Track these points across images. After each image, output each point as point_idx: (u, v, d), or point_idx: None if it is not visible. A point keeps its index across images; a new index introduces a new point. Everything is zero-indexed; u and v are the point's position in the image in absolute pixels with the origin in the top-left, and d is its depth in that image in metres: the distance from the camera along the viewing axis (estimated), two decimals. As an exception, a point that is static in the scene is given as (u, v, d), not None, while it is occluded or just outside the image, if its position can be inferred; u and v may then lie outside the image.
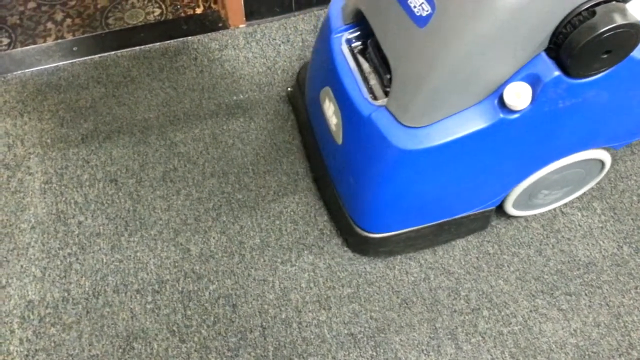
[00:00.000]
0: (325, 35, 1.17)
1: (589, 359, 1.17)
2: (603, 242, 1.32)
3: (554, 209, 1.37)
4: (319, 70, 1.23)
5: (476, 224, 1.28)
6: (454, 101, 0.96)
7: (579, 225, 1.36)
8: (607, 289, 1.25)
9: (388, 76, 1.02)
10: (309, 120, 1.36)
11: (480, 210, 1.23)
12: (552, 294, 1.26)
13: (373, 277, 1.27)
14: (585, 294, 1.25)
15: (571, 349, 1.18)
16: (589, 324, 1.21)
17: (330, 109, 1.17)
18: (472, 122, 0.97)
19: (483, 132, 0.98)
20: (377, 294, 1.25)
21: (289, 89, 1.54)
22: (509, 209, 1.29)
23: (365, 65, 1.09)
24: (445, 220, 1.22)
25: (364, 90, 1.05)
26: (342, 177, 1.22)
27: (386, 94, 1.04)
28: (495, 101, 0.96)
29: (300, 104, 1.43)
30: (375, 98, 1.05)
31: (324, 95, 1.18)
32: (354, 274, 1.28)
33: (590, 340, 1.19)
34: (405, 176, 1.07)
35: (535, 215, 1.36)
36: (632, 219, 1.35)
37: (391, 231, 1.21)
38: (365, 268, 1.28)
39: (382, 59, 1.05)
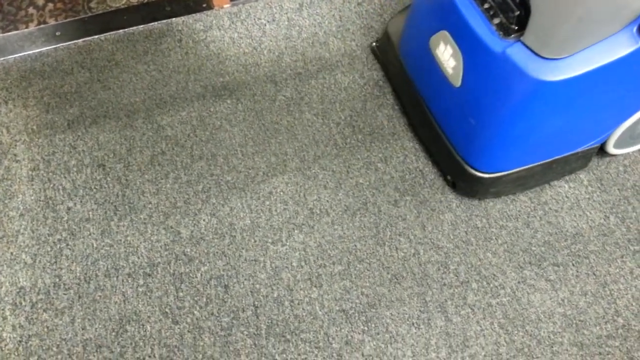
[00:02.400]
0: None
1: (577, 327, 1.19)
2: (590, 212, 1.33)
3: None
4: (431, 16, 1.26)
5: (580, 162, 1.34)
6: (597, 30, 0.99)
7: (566, 197, 1.37)
8: (594, 259, 1.27)
9: (516, 13, 1.04)
10: (403, 70, 1.42)
11: (587, 148, 1.29)
12: (539, 265, 1.28)
13: (363, 254, 1.29)
14: (573, 264, 1.26)
15: (559, 318, 1.20)
16: (576, 293, 1.23)
17: (446, 53, 1.20)
18: (611, 51, 1.01)
19: (620, 61, 1.01)
20: (367, 270, 1.26)
21: (373, 44, 1.58)
22: (610, 148, 1.34)
23: (485, 6, 1.10)
24: (556, 157, 1.27)
25: (493, 28, 1.08)
26: (456, 120, 1.26)
27: (515, 30, 1.05)
28: (634, 29, 0.99)
29: (391, 56, 1.49)
30: (506, 34, 1.07)
31: (437, 40, 1.22)
32: (344, 251, 1.29)
33: (578, 309, 1.21)
34: (540, 110, 1.11)
35: (530, 193, 1.37)
36: (618, 189, 1.36)
37: (506, 170, 1.26)
38: (355, 245, 1.29)
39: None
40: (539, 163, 1.28)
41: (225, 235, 1.30)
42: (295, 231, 1.31)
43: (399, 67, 1.45)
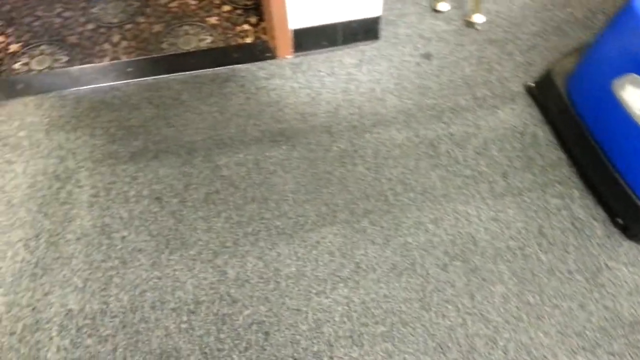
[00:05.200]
0: (631, 24, 1.25)
1: (634, 422, 1.11)
2: (650, 299, 1.27)
3: (599, 261, 1.33)
4: (616, 60, 1.30)
5: None
6: None
7: (625, 281, 1.31)
8: (653, 350, 1.20)
9: None
10: (570, 111, 1.47)
11: None
12: (593, 351, 1.21)
13: (408, 317, 1.25)
14: (630, 355, 1.20)
15: (614, 410, 1.12)
16: (633, 385, 1.16)
17: (635, 96, 1.23)
18: None
19: None
20: (411, 335, 1.23)
21: (528, 83, 1.67)
22: None
23: None
24: None
25: None
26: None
27: None
28: None
29: (553, 96, 1.55)
30: None
31: (623, 83, 1.26)
32: (388, 312, 1.26)
33: (635, 402, 1.14)
34: None
35: (578, 267, 1.33)
36: (681, 277, 1.30)
37: None
38: (400, 307, 1.27)
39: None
40: None
41: (270, 280, 1.30)
42: (340, 284, 1.30)
43: (564, 107, 1.50)
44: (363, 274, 1.32)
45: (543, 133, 1.60)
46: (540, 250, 1.38)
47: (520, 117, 1.64)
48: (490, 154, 1.55)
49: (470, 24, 1.84)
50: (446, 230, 1.40)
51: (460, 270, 1.33)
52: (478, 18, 1.81)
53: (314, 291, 1.28)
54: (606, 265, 1.34)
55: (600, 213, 1.43)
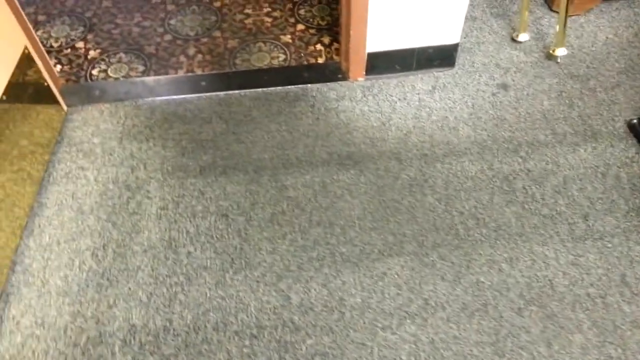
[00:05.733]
0: None
1: None
2: None
3: (693, 320, 1.22)
4: None
5: None
6: None
7: None
8: None
9: None
10: None
11: None
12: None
13: (479, 361, 1.18)
14: None
15: None
16: None
17: None
18: None
19: None
20: (483, 381, 1.15)
21: (632, 120, 1.59)
22: None
23: None
24: None
25: None
26: None
27: None
28: None
29: None
30: None
31: None
32: (458, 354, 1.19)
33: None
34: None
35: (669, 323, 1.22)
36: None
37: None
38: (471, 350, 1.19)
39: None
40: None
41: (335, 310, 1.25)
42: (407, 320, 1.24)
43: None
44: (432, 311, 1.25)
45: (627, 176, 1.50)
46: (623, 300, 1.28)
47: (602, 157, 1.55)
48: (570, 193, 1.47)
49: (551, 57, 1.77)
50: (522, 271, 1.32)
51: (536, 316, 1.25)
52: (560, 51, 1.73)
53: (380, 325, 1.23)
54: (698, 325, 1.23)
55: (693, 267, 1.32)
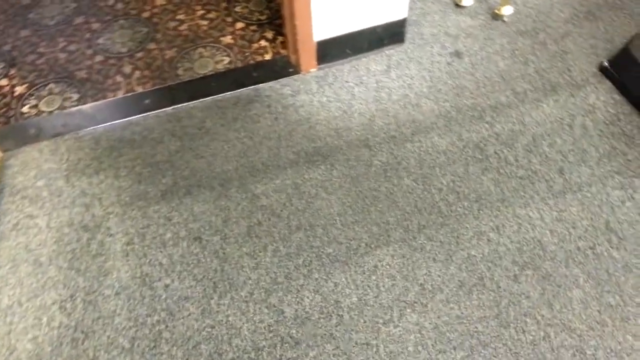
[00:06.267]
0: None
1: None
2: None
3: (680, 254, 1.24)
4: None
5: None
6: None
7: None
8: None
9: None
10: None
11: None
12: (689, 350, 1.12)
13: (487, 337, 1.15)
14: None
15: None
16: None
17: None
18: None
19: None
20: (493, 357, 1.12)
21: (603, 62, 1.58)
22: None
23: None
24: None
25: None
26: None
27: None
28: None
29: (634, 72, 1.49)
30: None
31: None
32: (465, 334, 1.16)
33: None
34: None
35: (660, 261, 1.23)
36: None
37: None
38: (476, 327, 1.16)
39: None
40: None
41: (332, 314, 1.19)
42: (408, 310, 1.19)
43: None
44: (430, 295, 1.21)
45: (592, 123, 1.51)
46: (612, 247, 1.28)
47: (565, 108, 1.55)
48: (541, 150, 1.46)
49: (497, 17, 1.75)
50: (510, 237, 1.30)
51: (532, 280, 1.23)
52: (505, 10, 1.72)
53: (381, 321, 1.18)
54: (684, 256, 1.25)
55: (669, 201, 1.34)
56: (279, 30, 1.76)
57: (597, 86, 1.59)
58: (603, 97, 1.56)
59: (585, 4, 1.81)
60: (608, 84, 1.59)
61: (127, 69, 1.69)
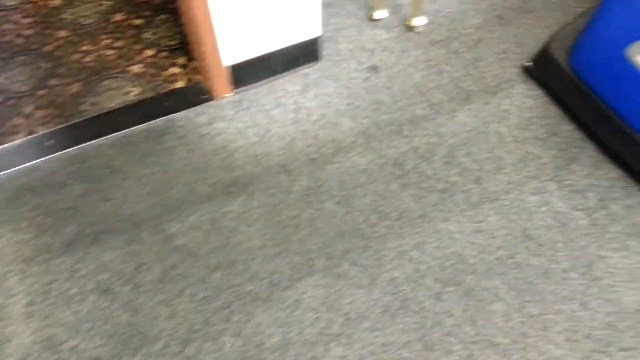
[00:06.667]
0: None
1: None
2: (654, 287, 1.21)
3: (590, 253, 1.27)
4: (628, 27, 1.31)
5: None
6: None
7: (619, 268, 1.25)
8: (671, 342, 1.14)
9: None
10: (576, 83, 1.47)
11: None
12: (607, 351, 1.15)
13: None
14: (648, 350, 1.13)
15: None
16: (661, 386, 1.09)
17: None
18: None
19: None
20: (421, 382, 1.11)
21: (525, 63, 1.63)
22: None
23: None
24: None
25: None
26: None
27: None
28: None
29: (555, 71, 1.54)
30: None
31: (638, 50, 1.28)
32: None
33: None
34: None
35: (571, 264, 1.25)
36: (679, 257, 1.25)
37: None
38: (401, 354, 1.14)
39: None
40: None
41: (255, 358, 1.14)
42: (333, 344, 1.16)
43: (569, 80, 1.50)
44: (355, 325, 1.19)
45: (507, 129, 1.53)
46: (531, 255, 1.29)
47: (480, 117, 1.56)
48: (458, 162, 1.46)
49: (411, 28, 1.75)
50: (432, 254, 1.29)
51: (455, 296, 1.23)
52: (419, 21, 1.72)
53: (306, 359, 1.14)
54: (598, 255, 1.28)
55: (580, 203, 1.37)
56: (191, 55, 1.69)
57: (510, 92, 1.61)
58: (517, 101, 1.58)
59: (497, 9, 1.84)
60: (520, 89, 1.61)
61: (28, 109, 1.57)
